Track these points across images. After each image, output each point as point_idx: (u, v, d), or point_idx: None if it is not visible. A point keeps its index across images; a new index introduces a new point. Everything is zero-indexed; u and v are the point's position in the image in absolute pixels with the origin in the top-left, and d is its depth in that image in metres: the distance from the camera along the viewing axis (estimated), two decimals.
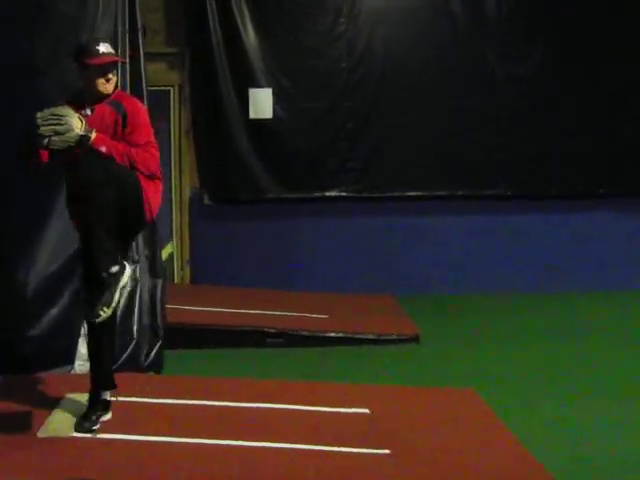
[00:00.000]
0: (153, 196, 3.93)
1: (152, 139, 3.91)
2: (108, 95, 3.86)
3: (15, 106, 4.93)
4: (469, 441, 4.05)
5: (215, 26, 7.89)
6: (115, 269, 3.73)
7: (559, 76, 8.13)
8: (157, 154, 3.92)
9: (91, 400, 4.06)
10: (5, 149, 4.88)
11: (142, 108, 4.02)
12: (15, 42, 5.01)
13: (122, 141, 3.80)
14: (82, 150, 3.69)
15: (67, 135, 3.62)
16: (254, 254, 8.14)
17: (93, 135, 3.69)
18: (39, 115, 3.63)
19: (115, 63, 3.94)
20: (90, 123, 3.76)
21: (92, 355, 4.14)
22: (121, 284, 3.75)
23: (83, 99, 3.89)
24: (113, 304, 3.70)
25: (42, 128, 3.61)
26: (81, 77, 3.90)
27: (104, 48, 3.83)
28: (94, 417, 3.99)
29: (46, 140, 3.62)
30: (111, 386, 4.09)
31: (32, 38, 5.05)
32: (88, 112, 3.83)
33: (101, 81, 3.81)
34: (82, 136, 3.65)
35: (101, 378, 4.07)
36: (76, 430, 3.95)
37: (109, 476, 3.55)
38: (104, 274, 3.70)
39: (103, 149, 3.71)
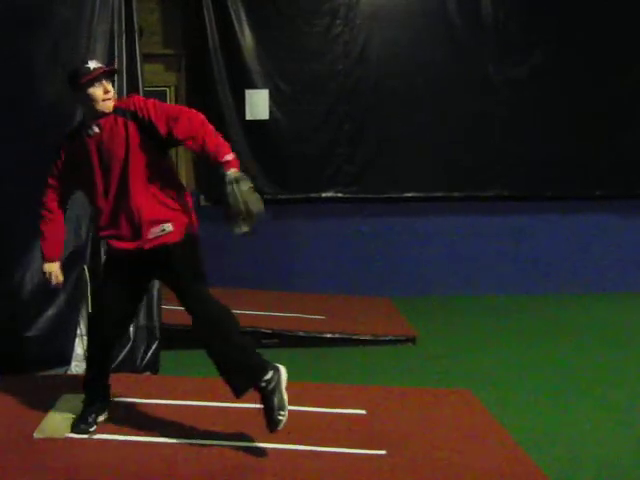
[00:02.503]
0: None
1: (176, 107, 3.82)
2: (110, 111, 3.74)
3: (15, 109, 4.93)
4: (465, 442, 4.06)
5: (212, 27, 7.90)
6: (270, 374, 3.75)
7: (556, 79, 8.15)
8: (194, 112, 3.77)
9: (87, 401, 4.06)
10: (4, 151, 4.89)
11: (143, 97, 3.89)
12: (13, 45, 5.00)
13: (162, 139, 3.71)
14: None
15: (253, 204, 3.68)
16: (250, 255, 8.14)
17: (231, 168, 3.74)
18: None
19: (111, 75, 3.84)
20: (102, 138, 3.71)
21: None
22: (284, 381, 3.77)
23: (86, 123, 3.79)
24: (286, 404, 3.71)
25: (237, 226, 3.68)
26: (80, 101, 3.81)
27: (93, 64, 3.74)
28: (90, 418, 3.99)
29: (240, 229, 3.67)
30: None
31: (30, 41, 5.04)
32: (96, 129, 3.74)
33: (100, 95, 3.70)
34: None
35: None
36: (72, 431, 3.95)
37: (105, 477, 3.55)
38: (262, 384, 3.72)
39: (229, 157, 3.74)
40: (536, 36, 8.15)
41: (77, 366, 5.15)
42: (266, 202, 8.57)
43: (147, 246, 3.76)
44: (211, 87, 7.98)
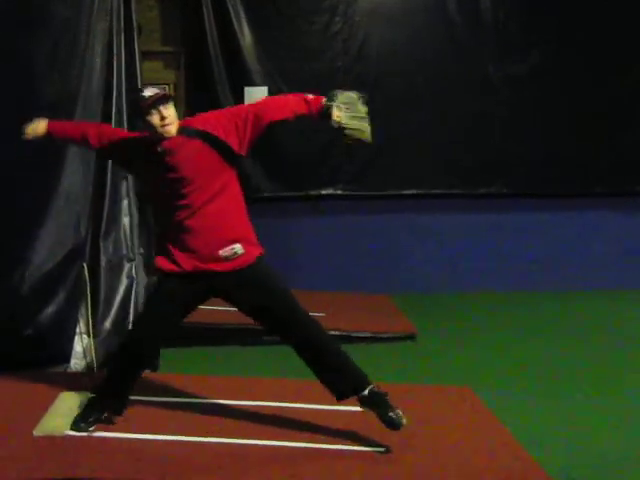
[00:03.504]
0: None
1: (237, 108, 3.95)
2: (172, 135, 3.73)
3: (15, 109, 4.93)
4: (465, 439, 4.06)
5: (211, 25, 7.88)
6: (373, 383, 3.91)
7: (556, 79, 8.14)
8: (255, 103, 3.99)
9: (91, 401, 4.05)
10: (3, 151, 4.89)
11: (208, 113, 3.91)
12: (13, 45, 5.00)
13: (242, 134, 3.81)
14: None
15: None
16: None
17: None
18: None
19: (166, 100, 3.74)
20: (168, 158, 3.70)
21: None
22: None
23: (152, 140, 3.78)
24: (395, 408, 3.86)
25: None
26: (146, 127, 3.78)
27: (148, 92, 3.74)
28: (91, 418, 3.99)
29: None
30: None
31: (30, 41, 5.04)
32: (162, 149, 3.72)
33: (158, 122, 3.68)
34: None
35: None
36: (72, 429, 3.95)
37: (104, 475, 3.55)
38: (375, 389, 3.89)
39: (309, 98, 4.22)
40: (536, 36, 8.13)
41: (76, 364, 5.16)
42: (266, 200, 8.62)
43: (218, 268, 3.76)
44: (210, 85, 7.96)
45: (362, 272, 8.21)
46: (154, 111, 3.67)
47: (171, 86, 8.21)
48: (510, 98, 8.13)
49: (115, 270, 5.41)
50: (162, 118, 3.68)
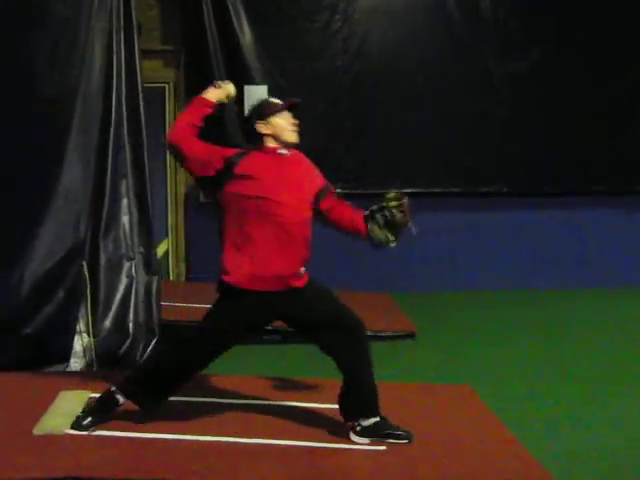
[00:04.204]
0: None
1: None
2: (295, 142, 3.91)
3: (14, 108, 4.93)
4: (465, 438, 4.06)
5: (210, 23, 7.87)
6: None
7: (556, 78, 8.15)
8: None
9: (98, 400, 4.05)
10: (3, 152, 4.89)
11: None
12: (13, 45, 5.00)
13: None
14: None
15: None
16: None
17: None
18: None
19: (293, 109, 3.91)
20: (291, 162, 3.89)
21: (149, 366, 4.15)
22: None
23: (267, 147, 3.88)
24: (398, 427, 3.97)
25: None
26: (266, 131, 3.88)
27: (276, 100, 3.94)
28: (92, 417, 3.98)
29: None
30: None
31: (29, 40, 5.04)
32: (285, 151, 3.87)
33: (288, 125, 3.85)
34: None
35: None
36: (72, 428, 3.94)
37: (105, 473, 3.55)
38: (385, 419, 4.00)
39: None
40: (536, 35, 8.15)
41: (76, 363, 5.16)
42: None
43: (296, 283, 3.94)
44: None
45: (362, 270, 8.21)
46: (286, 114, 3.86)
47: (171, 85, 8.20)
48: (510, 98, 8.14)
49: (115, 269, 5.40)
50: (293, 123, 3.86)
